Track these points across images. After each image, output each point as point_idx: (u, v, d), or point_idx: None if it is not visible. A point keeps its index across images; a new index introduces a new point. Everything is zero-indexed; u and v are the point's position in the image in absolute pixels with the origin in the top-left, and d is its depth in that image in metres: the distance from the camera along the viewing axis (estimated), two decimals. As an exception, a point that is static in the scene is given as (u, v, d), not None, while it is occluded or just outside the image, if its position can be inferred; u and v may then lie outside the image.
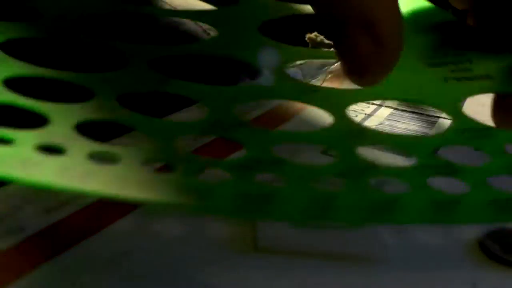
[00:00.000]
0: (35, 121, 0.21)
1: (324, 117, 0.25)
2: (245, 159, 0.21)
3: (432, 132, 0.30)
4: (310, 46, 0.35)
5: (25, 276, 0.19)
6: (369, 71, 0.23)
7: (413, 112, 0.33)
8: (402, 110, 0.33)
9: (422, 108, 0.33)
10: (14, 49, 0.24)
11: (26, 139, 0.19)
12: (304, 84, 0.26)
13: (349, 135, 0.23)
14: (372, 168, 0.21)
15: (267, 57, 0.32)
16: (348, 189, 0.20)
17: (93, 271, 0.19)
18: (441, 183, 0.21)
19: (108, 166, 0.18)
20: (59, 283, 0.19)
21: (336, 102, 0.24)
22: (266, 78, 0.31)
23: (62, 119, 0.21)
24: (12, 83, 0.22)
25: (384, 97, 0.26)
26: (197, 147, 0.27)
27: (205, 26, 0.38)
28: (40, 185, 0.17)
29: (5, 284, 0.18)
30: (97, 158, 0.19)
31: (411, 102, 0.27)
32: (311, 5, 0.25)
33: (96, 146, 0.19)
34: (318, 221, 0.19)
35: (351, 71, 0.23)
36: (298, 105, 0.31)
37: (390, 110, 0.33)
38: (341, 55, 0.23)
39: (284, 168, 0.21)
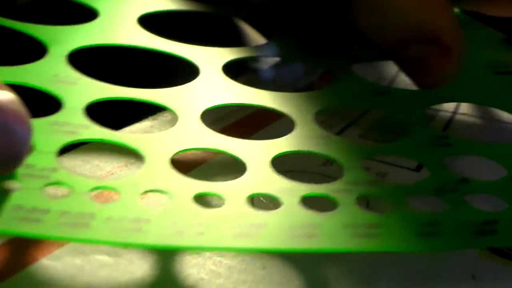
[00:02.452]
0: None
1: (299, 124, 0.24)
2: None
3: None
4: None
5: None
6: (441, 79, 0.25)
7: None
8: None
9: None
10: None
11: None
12: (376, 85, 0.25)
13: (433, 143, 0.22)
14: (464, 182, 0.20)
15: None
16: (450, 211, 0.19)
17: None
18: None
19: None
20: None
21: (411, 105, 0.24)
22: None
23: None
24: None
25: (458, 100, 0.27)
26: (225, 126, 0.27)
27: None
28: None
29: None
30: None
31: (482, 105, 0.27)
32: (361, 30, 0.26)
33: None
34: (423, 250, 0.18)
35: (423, 82, 0.25)
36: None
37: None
38: (408, 71, 0.25)
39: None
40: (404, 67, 0.25)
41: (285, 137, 0.21)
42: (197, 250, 0.18)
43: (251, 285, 0.19)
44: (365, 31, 0.26)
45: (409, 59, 0.25)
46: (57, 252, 0.19)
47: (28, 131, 0.16)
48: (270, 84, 0.30)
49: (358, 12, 0.25)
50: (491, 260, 0.21)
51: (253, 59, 0.30)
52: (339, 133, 0.28)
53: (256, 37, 0.31)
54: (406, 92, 0.25)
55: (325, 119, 0.26)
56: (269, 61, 0.33)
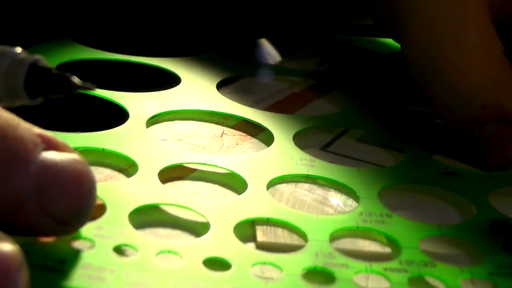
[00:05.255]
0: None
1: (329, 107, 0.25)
2: None
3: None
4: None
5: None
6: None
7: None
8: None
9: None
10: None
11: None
12: (444, 165, 0.25)
13: (494, 228, 0.22)
14: None
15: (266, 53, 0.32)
16: None
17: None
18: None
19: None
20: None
21: (477, 188, 0.24)
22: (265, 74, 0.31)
23: None
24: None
25: None
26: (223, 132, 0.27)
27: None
28: None
29: None
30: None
31: None
32: (433, 106, 0.26)
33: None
34: None
35: (495, 161, 0.25)
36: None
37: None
38: (481, 149, 0.25)
39: None
40: (476, 145, 0.25)
41: (347, 210, 0.22)
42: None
43: None
44: (434, 107, 0.26)
45: (481, 138, 0.25)
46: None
47: None
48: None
49: (428, 89, 0.26)
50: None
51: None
52: (338, 136, 0.28)
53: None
54: (474, 174, 0.25)
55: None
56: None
